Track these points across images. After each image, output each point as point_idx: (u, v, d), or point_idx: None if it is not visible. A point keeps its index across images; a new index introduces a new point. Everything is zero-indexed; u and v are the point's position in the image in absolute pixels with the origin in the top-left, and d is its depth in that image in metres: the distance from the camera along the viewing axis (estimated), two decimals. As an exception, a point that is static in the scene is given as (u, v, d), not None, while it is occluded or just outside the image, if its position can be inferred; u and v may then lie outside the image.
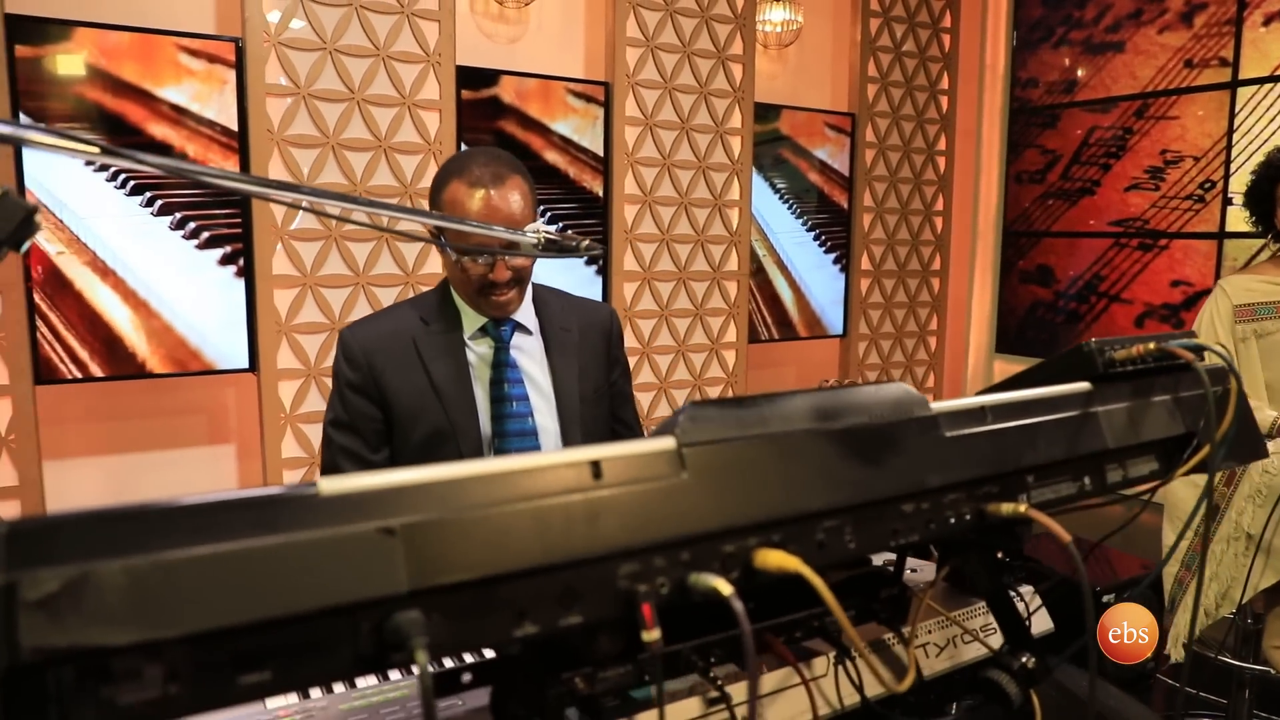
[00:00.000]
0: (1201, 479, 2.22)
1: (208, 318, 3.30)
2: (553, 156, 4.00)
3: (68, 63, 2.98)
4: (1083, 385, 0.90)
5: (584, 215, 4.11)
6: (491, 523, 0.54)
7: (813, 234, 4.81)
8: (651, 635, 0.57)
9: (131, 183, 3.12)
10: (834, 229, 4.87)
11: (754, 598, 0.89)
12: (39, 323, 3.02)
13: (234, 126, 3.28)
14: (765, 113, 4.57)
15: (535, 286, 1.68)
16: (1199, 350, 0.92)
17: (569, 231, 1.41)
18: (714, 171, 4.40)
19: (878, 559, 1.12)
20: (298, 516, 0.49)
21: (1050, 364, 0.94)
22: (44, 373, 3.05)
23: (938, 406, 0.77)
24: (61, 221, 3.02)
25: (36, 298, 3.02)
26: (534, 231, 1.26)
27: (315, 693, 1.11)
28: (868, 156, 4.88)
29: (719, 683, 0.83)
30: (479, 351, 1.57)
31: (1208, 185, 4.22)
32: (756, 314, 4.69)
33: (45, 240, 3.01)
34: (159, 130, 3.15)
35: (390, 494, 0.52)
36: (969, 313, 5.30)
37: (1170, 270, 4.38)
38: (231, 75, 3.25)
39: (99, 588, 0.44)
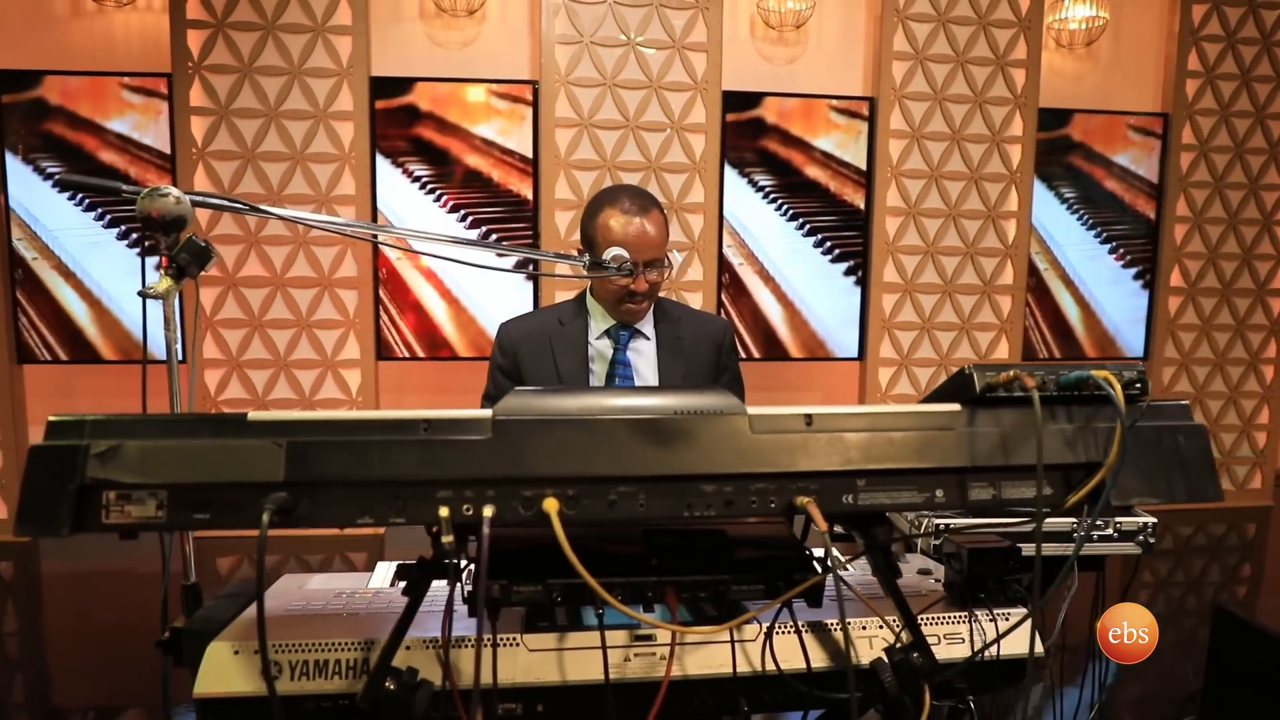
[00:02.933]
0: None
1: (496, 313, 3.99)
2: (813, 171, 4.17)
3: (408, 110, 3.83)
4: (951, 407, 0.98)
5: (843, 227, 4.22)
6: (343, 448, 0.86)
7: (1108, 246, 4.41)
8: (447, 539, 0.85)
9: (451, 202, 3.91)
10: (1136, 241, 4.42)
11: (663, 555, 1.11)
12: (381, 313, 3.92)
13: (529, 154, 3.93)
14: (1052, 118, 4.29)
15: (662, 300, 1.94)
16: (1082, 383, 0.94)
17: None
18: (988, 182, 4.25)
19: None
20: (232, 430, 0.86)
21: (944, 385, 1.02)
22: (383, 351, 3.95)
23: (755, 410, 0.93)
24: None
25: (381, 294, 3.91)
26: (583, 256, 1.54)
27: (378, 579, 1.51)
28: (1184, 160, 4.35)
29: (600, 613, 1.06)
30: (600, 349, 1.88)
31: None
32: (1034, 330, 4.43)
33: (388, 251, 3.89)
34: (472, 160, 3.90)
35: (289, 424, 0.87)
36: (1322, 340, 4.47)
37: None
38: (529, 112, 3.90)
39: (124, 453, 0.84)
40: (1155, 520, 1.67)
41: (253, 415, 0.87)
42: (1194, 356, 4.52)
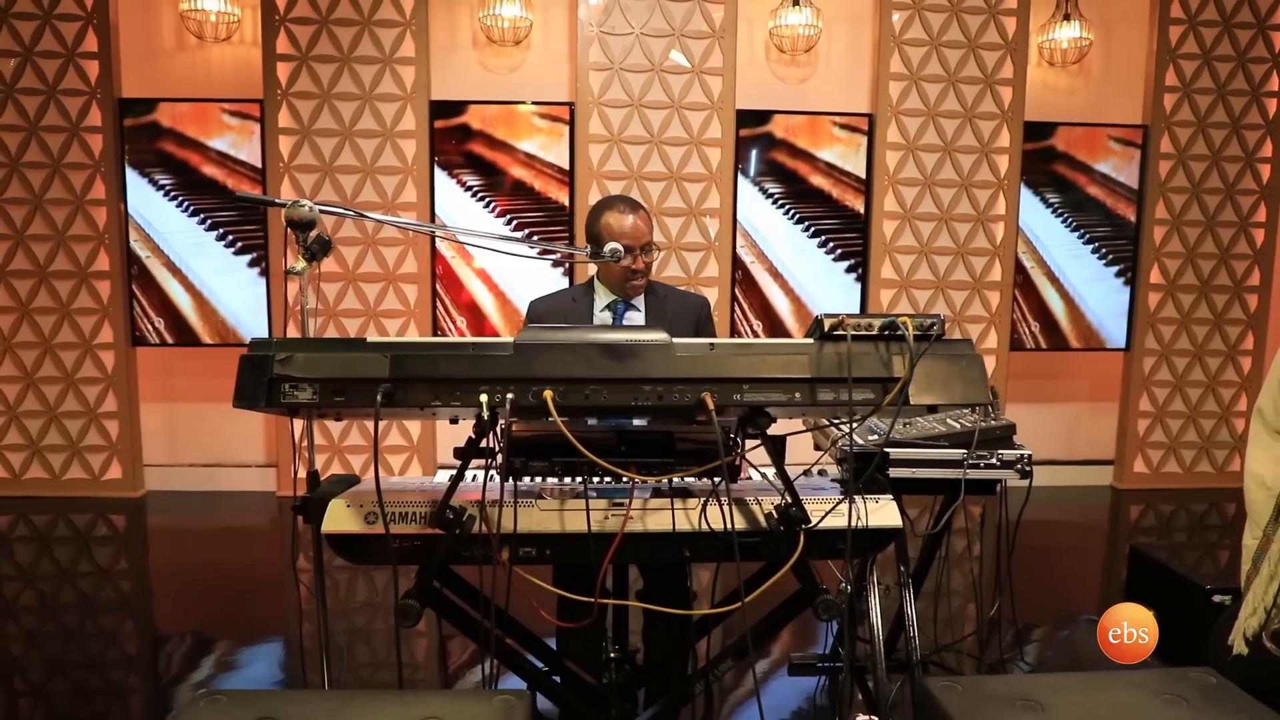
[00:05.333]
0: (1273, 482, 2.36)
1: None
2: (818, 180, 4.68)
3: (462, 129, 4.45)
4: (806, 340, 1.51)
5: (844, 230, 4.72)
6: (421, 358, 1.43)
7: (1091, 247, 4.83)
8: (485, 414, 1.41)
9: (496, 207, 4.51)
10: (1118, 242, 4.83)
11: (630, 445, 1.66)
12: (438, 304, 4.54)
13: (566, 166, 4.51)
14: (1036, 130, 4.73)
15: (652, 282, 2.47)
16: (893, 325, 1.46)
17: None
18: (977, 189, 4.71)
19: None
20: (359, 347, 1.43)
21: (810, 328, 1.54)
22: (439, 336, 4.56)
23: (679, 341, 1.47)
24: (455, 237, 4.49)
25: (438, 288, 4.53)
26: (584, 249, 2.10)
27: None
28: (1163, 168, 4.76)
29: (584, 480, 1.61)
30: (602, 319, 2.43)
31: None
32: (1022, 323, 4.87)
33: (445, 248, 4.50)
34: (516, 171, 4.50)
35: (392, 344, 1.44)
36: (1295, 333, 4.82)
37: None
38: (566, 129, 4.49)
39: (295, 359, 1.42)
40: (1031, 452, 2.17)
41: (370, 338, 1.45)
42: (1174, 348, 4.91)
